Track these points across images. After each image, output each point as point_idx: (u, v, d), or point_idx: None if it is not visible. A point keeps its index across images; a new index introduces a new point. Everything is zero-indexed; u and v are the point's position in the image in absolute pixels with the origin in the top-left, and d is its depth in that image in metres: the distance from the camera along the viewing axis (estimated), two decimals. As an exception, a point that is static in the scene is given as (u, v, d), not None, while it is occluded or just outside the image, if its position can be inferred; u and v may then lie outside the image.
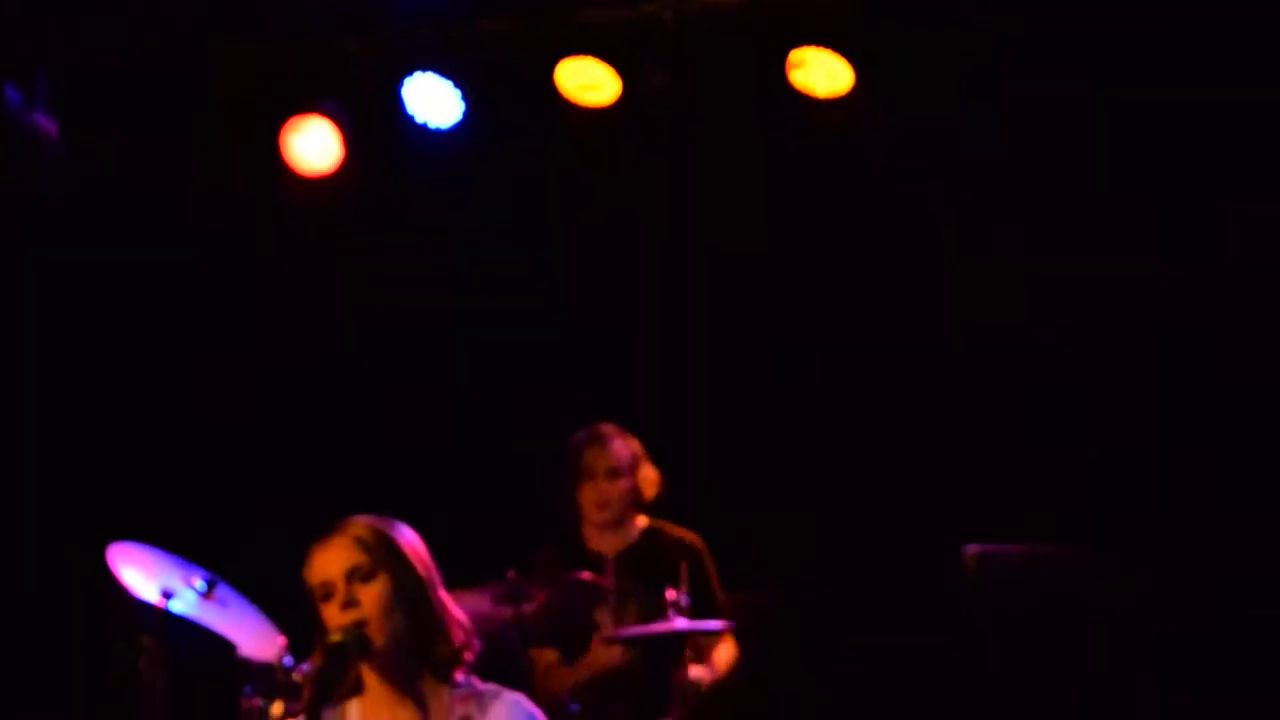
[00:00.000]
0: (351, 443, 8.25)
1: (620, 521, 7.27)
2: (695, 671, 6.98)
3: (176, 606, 6.79)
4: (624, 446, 7.29)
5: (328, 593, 4.40)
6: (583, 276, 8.39)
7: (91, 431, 8.35)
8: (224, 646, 6.95)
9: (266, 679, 6.68)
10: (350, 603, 4.37)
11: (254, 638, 6.93)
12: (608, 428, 7.34)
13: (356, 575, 4.42)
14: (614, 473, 7.27)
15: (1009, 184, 7.76)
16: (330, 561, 4.43)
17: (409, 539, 4.57)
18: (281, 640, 6.74)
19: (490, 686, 4.57)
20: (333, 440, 8.29)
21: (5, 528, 8.04)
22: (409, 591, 4.45)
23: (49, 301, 8.27)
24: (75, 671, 7.61)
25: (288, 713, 6.47)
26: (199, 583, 6.81)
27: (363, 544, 4.45)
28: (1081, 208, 7.76)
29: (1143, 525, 7.45)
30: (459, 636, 4.52)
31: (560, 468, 7.33)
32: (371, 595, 4.40)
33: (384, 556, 4.45)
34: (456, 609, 4.60)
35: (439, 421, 8.30)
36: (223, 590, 6.86)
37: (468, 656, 4.54)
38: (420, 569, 4.51)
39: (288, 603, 6.11)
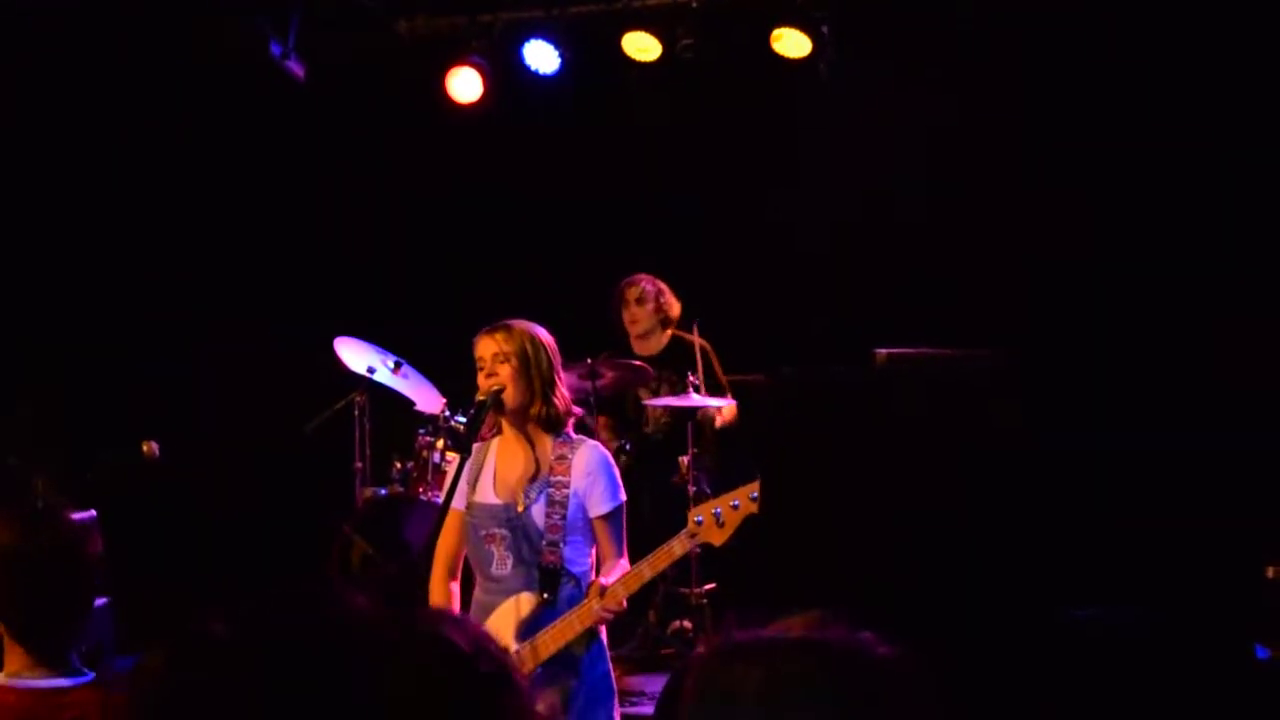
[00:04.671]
0: (494, 276, 8.97)
1: (650, 334, 8.34)
2: (711, 412, 8.15)
3: (377, 377, 8.08)
4: (650, 284, 8.29)
5: (480, 366, 5.10)
6: (632, 168, 9.13)
7: (321, 253, 9.33)
8: (407, 404, 8.19)
9: (434, 425, 7.93)
10: (491, 374, 5.06)
11: (426, 399, 8.19)
12: (640, 275, 8.34)
13: (498, 358, 5.05)
14: (640, 301, 8.24)
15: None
16: (485, 346, 5.10)
17: (539, 336, 5.15)
18: (444, 400, 8.08)
19: (578, 436, 5.17)
20: (480, 274, 9.08)
21: (262, 329, 9.11)
22: (531, 372, 5.06)
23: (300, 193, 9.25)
24: (310, 420, 8.23)
25: (447, 447, 7.84)
26: (391, 362, 8.14)
27: (505, 339, 5.08)
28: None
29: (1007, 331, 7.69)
30: (563, 406, 5.12)
31: (611, 303, 8.36)
32: (504, 371, 5.05)
33: (518, 348, 5.06)
34: (565, 389, 5.16)
35: (544, 266, 9.11)
36: (406, 367, 8.20)
37: (568, 419, 5.17)
38: (541, 357, 5.09)
39: (448, 376, 7.80)
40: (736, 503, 4.83)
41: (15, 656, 3.60)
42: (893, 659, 1.84)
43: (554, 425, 5.12)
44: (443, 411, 7.96)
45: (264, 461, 8.75)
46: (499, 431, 5.24)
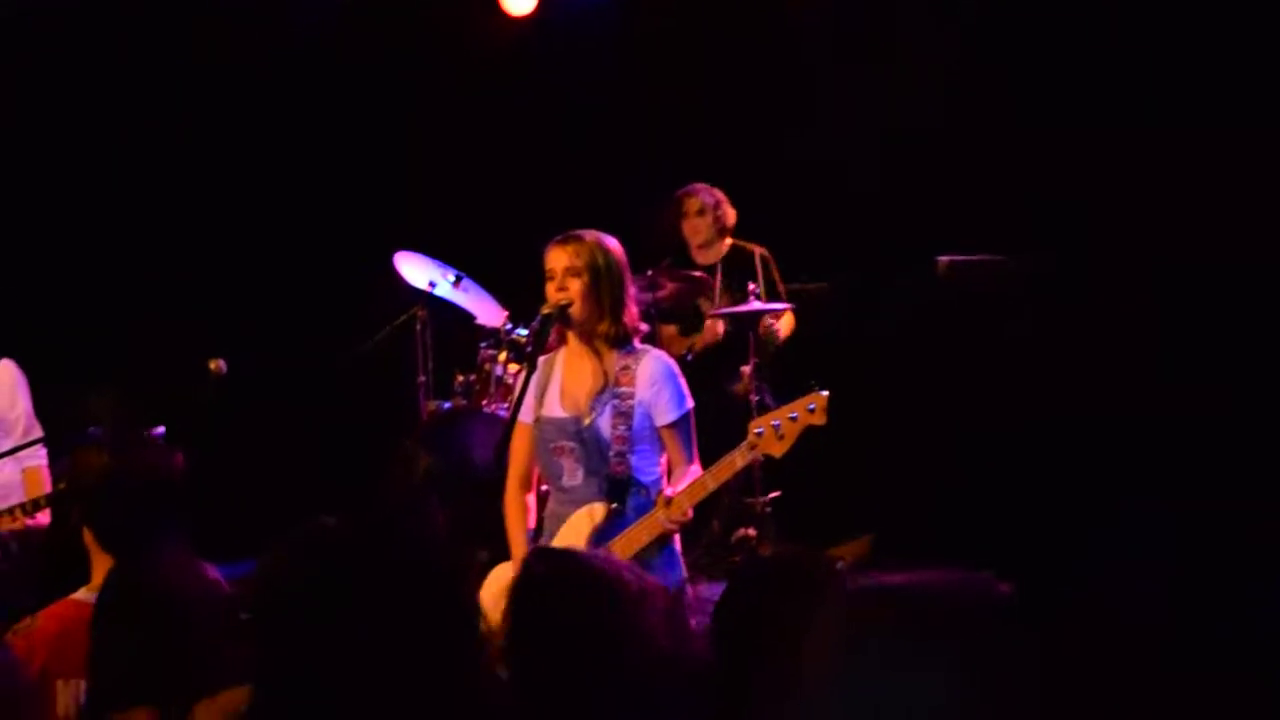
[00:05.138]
0: (551, 188, 8.81)
1: (711, 244, 8.40)
2: (773, 323, 8.22)
3: (438, 291, 8.16)
4: (708, 195, 8.34)
5: (550, 277, 5.10)
6: (684, 77, 9.17)
7: (379, 170, 9.41)
8: (467, 317, 8.29)
9: (495, 338, 8.03)
10: (562, 288, 5.07)
11: (487, 312, 8.26)
12: (696, 185, 8.40)
13: (570, 272, 5.06)
14: (700, 212, 8.32)
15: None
16: (556, 258, 5.09)
17: (611, 249, 5.15)
18: (505, 313, 8.13)
19: (643, 346, 5.19)
20: (537, 187, 8.99)
21: (329, 240, 9.24)
22: (600, 287, 5.07)
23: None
24: (373, 330, 8.20)
25: (509, 360, 7.92)
26: (451, 276, 8.21)
27: (578, 252, 5.08)
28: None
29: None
30: (630, 323, 5.14)
31: (668, 213, 8.40)
32: (575, 286, 5.06)
33: (589, 262, 5.06)
34: (634, 305, 5.18)
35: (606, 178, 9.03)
36: (466, 281, 8.24)
37: (634, 336, 5.19)
38: (612, 272, 5.10)
39: (509, 289, 7.95)
40: (795, 414, 4.88)
41: (103, 571, 3.75)
42: (1010, 596, 1.85)
43: (620, 342, 5.14)
44: (504, 324, 8.03)
45: (327, 377, 8.77)
46: (563, 341, 5.28)
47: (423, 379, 8.29)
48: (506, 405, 7.62)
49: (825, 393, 4.89)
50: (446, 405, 8.12)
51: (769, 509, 8.11)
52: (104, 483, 3.76)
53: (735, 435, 5.46)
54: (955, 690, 1.72)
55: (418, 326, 8.26)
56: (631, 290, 5.20)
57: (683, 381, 5.20)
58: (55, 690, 3.60)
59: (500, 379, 7.90)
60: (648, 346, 5.25)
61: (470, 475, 7.44)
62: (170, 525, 3.75)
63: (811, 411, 4.89)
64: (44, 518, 6.69)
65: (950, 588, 1.81)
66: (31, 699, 3.21)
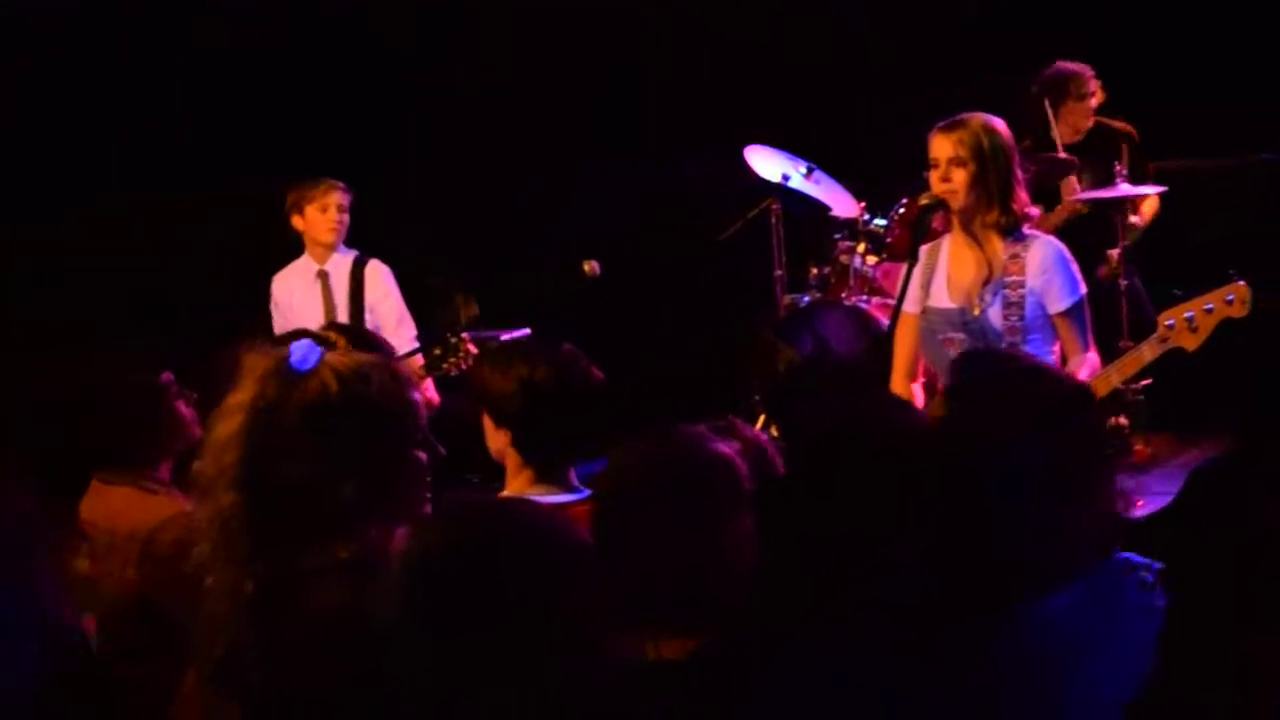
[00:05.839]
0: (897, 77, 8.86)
1: (1082, 127, 8.10)
2: (1134, 219, 8.03)
3: (791, 183, 8.07)
4: (1094, 80, 8.01)
5: (934, 165, 4.97)
6: None
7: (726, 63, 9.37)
8: (822, 209, 8.23)
9: (852, 229, 7.95)
10: (946, 178, 4.93)
11: (842, 204, 8.19)
12: (1085, 68, 8.05)
13: (954, 162, 4.91)
14: (1095, 94, 8.02)
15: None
16: (941, 146, 4.94)
17: (998, 130, 4.95)
18: (861, 204, 8.00)
19: (1032, 233, 5.03)
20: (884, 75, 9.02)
21: (681, 138, 9.28)
22: (988, 175, 4.91)
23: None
24: (729, 221, 8.29)
25: (867, 251, 7.78)
26: (803, 169, 8.16)
27: (962, 140, 4.90)
28: None
29: None
30: (1020, 209, 4.98)
31: (1045, 92, 8.03)
32: (960, 176, 4.91)
33: (976, 152, 4.89)
34: (1023, 189, 5.00)
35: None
36: (819, 174, 8.19)
37: (1024, 222, 5.01)
38: (999, 157, 4.92)
39: (862, 179, 7.99)
40: (1211, 306, 4.70)
41: (521, 478, 3.83)
42: None
43: (1009, 230, 4.99)
44: (860, 215, 7.91)
45: (685, 271, 8.87)
46: (948, 228, 5.17)
47: (779, 273, 8.22)
48: (865, 297, 7.54)
49: (1244, 282, 4.68)
50: (805, 299, 8.00)
51: (1141, 396, 7.88)
52: (542, 401, 3.72)
53: (1103, 319, 5.40)
54: None
55: (771, 220, 8.18)
56: (1019, 174, 5.01)
57: (1075, 267, 5.03)
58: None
59: (858, 271, 7.79)
60: (1037, 233, 5.08)
61: (833, 368, 7.33)
62: (586, 439, 3.74)
63: (1230, 303, 4.70)
64: (431, 393, 6.92)
65: None
66: None
